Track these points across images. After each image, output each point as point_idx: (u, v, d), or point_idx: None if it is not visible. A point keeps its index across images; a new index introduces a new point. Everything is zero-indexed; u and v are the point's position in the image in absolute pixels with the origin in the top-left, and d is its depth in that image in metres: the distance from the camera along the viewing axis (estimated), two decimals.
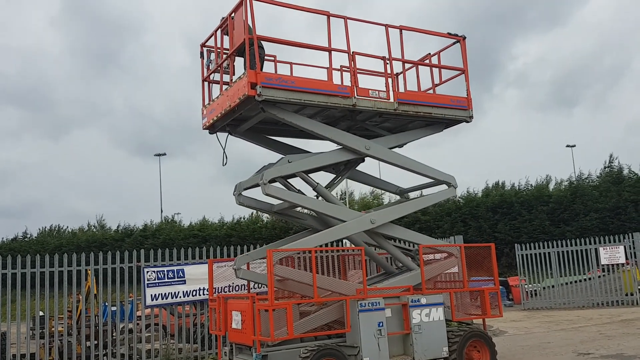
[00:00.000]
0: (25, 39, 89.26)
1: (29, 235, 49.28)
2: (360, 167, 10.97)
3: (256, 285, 12.25)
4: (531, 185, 42.59)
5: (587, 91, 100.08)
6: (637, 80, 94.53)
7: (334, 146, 9.82)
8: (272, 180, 9.14)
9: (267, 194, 8.96)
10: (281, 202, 10.05)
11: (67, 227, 51.75)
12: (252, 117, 9.52)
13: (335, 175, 10.58)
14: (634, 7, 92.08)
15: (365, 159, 10.32)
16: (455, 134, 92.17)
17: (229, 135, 10.15)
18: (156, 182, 72.55)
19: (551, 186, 42.51)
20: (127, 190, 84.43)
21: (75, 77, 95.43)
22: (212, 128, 9.96)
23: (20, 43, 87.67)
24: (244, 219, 45.85)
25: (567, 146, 59.09)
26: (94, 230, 50.29)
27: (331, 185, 10.25)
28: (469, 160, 76.07)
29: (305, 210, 10.62)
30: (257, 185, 9.42)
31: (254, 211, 46.64)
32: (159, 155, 57.61)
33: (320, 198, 9.92)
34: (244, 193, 10.06)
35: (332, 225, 9.79)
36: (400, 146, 10.74)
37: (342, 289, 9.04)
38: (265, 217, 45.95)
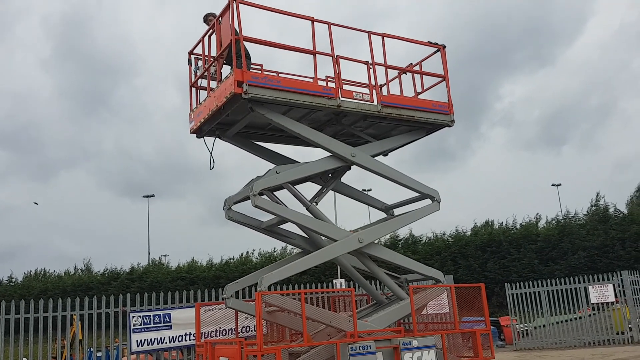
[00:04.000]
0: (16, 81, 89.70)
1: (14, 280, 48.46)
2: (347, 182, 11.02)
3: (244, 330, 12.08)
4: (520, 224, 42.79)
5: (574, 130, 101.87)
6: (624, 119, 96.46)
7: (320, 156, 9.84)
8: (261, 193, 9.07)
9: (256, 206, 8.86)
10: (270, 218, 10.00)
11: (53, 270, 51.02)
12: (240, 120, 9.57)
13: (321, 187, 10.51)
14: (619, 47, 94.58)
15: (353, 173, 10.34)
16: (443, 172, 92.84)
17: (217, 138, 10.11)
18: (144, 223, 72.05)
19: (541, 224, 42.73)
20: (115, 232, 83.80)
21: (64, 119, 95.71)
22: (200, 132, 9.93)
23: (10, 85, 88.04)
24: (232, 259, 45.51)
25: (553, 185, 59.81)
26: (80, 273, 49.61)
27: (318, 195, 10.19)
28: (457, 199, 76.48)
29: (294, 229, 10.52)
30: (246, 199, 9.35)
31: (243, 252, 46.49)
32: (147, 196, 57.56)
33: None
34: (234, 208, 10.00)
35: (320, 245, 9.73)
36: (385, 154, 10.85)
37: (335, 322, 8.92)
38: (254, 257, 45.70)
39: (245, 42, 8.86)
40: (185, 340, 12.33)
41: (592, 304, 20.85)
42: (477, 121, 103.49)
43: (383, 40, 10.06)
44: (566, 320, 21.33)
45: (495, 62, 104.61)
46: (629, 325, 20.31)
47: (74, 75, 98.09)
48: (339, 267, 10.42)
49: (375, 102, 9.72)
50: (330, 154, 9.65)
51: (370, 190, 40.97)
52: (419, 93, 10.85)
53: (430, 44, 10.76)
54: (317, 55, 9.30)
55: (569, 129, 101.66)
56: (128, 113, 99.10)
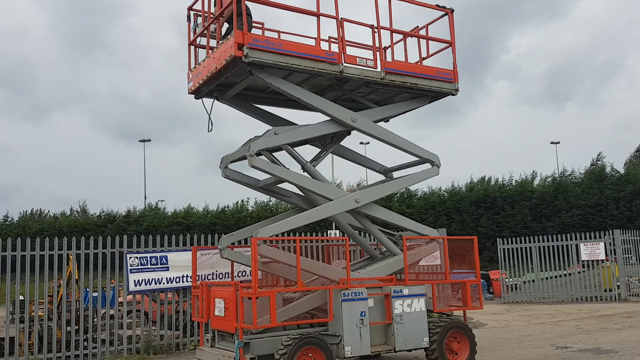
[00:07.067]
0: (9, 19, 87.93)
1: (9, 219, 48.77)
2: (346, 145, 10.99)
3: (240, 274, 12.25)
4: (515, 180, 43.04)
5: (579, 87, 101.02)
6: (630, 77, 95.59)
7: (320, 119, 9.75)
8: (259, 154, 9.02)
9: (253, 166, 8.84)
10: (267, 177, 10.01)
11: (49, 211, 51.38)
12: (239, 82, 9.42)
13: (320, 150, 10.46)
14: (630, 2, 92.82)
15: (352, 133, 10.23)
16: (444, 127, 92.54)
17: (216, 100, 10.00)
18: (140, 168, 72.24)
19: (537, 182, 42.99)
20: (110, 176, 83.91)
21: (58, 59, 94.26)
22: (198, 93, 9.80)
23: (3, 23, 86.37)
24: (228, 207, 45.80)
25: (552, 143, 59.78)
26: (76, 215, 49.94)
27: (317, 159, 10.15)
28: (456, 154, 76.57)
29: (291, 188, 10.54)
30: (243, 158, 9.33)
31: (239, 200, 46.72)
32: (144, 141, 57.35)
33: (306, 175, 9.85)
34: (231, 166, 10.00)
35: (317, 204, 9.78)
36: (386, 120, 10.73)
37: (327, 273, 9.06)
38: (250, 206, 45.98)
39: (246, 1, 8.60)
40: (182, 282, 12.51)
41: (583, 261, 21.18)
42: (481, 74, 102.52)
43: (390, 1, 9.77)
44: (556, 276, 21.71)
45: (505, 11, 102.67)
46: (617, 283, 20.71)
47: (67, 13, 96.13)
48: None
49: (378, 69, 9.53)
50: (331, 118, 9.59)
51: (368, 143, 41.03)
52: (424, 59, 10.62)
53: (438, 7, 10.51)
54: (320, 17, 9.04)
55: (574, 86, 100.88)
56: (123, 54, 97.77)
